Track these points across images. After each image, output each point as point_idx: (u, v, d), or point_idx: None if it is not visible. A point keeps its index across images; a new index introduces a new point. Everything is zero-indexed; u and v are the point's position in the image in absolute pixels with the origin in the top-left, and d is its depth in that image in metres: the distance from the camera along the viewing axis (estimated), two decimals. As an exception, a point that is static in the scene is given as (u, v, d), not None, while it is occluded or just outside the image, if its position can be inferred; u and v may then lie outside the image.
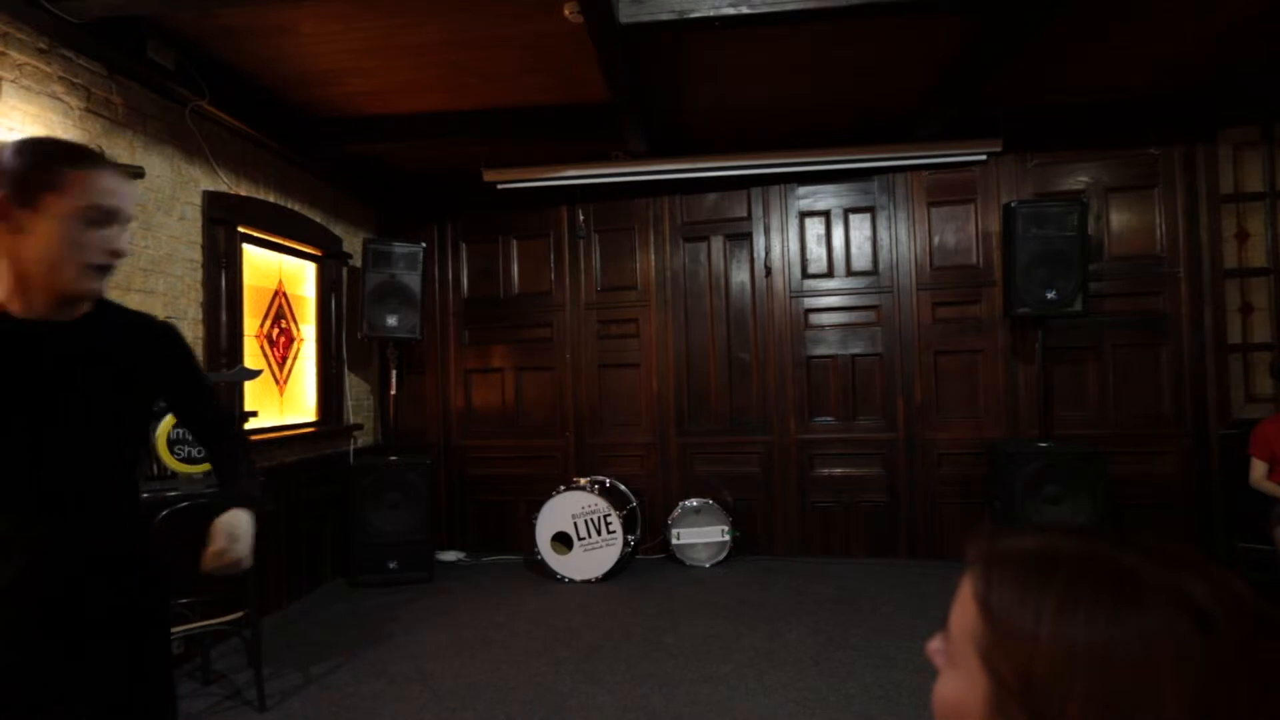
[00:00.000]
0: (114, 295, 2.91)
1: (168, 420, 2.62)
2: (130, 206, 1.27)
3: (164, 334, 1.41)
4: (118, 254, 1.24)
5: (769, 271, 4.64)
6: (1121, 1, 2.90)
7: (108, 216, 1.20)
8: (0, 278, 1.20)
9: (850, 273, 4.57)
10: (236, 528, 1.31)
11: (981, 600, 0.53)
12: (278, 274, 4.14)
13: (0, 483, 1.17)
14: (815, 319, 4.61)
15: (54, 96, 2.61)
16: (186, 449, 2.66)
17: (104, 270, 1.23)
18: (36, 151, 1.19)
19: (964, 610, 0.54)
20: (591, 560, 4.17)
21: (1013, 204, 3.98)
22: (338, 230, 4.60)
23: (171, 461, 2.62)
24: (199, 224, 3.37)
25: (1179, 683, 0.44)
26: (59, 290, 1.20)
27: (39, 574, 1.18)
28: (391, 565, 4.26)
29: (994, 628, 0.51)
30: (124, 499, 1.32)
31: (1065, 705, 0.47)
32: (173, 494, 2.61)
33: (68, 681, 1.20)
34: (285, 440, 3.96)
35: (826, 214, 4.61)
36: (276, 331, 4.10)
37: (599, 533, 4.15)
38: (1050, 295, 3.86)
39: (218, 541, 1.28)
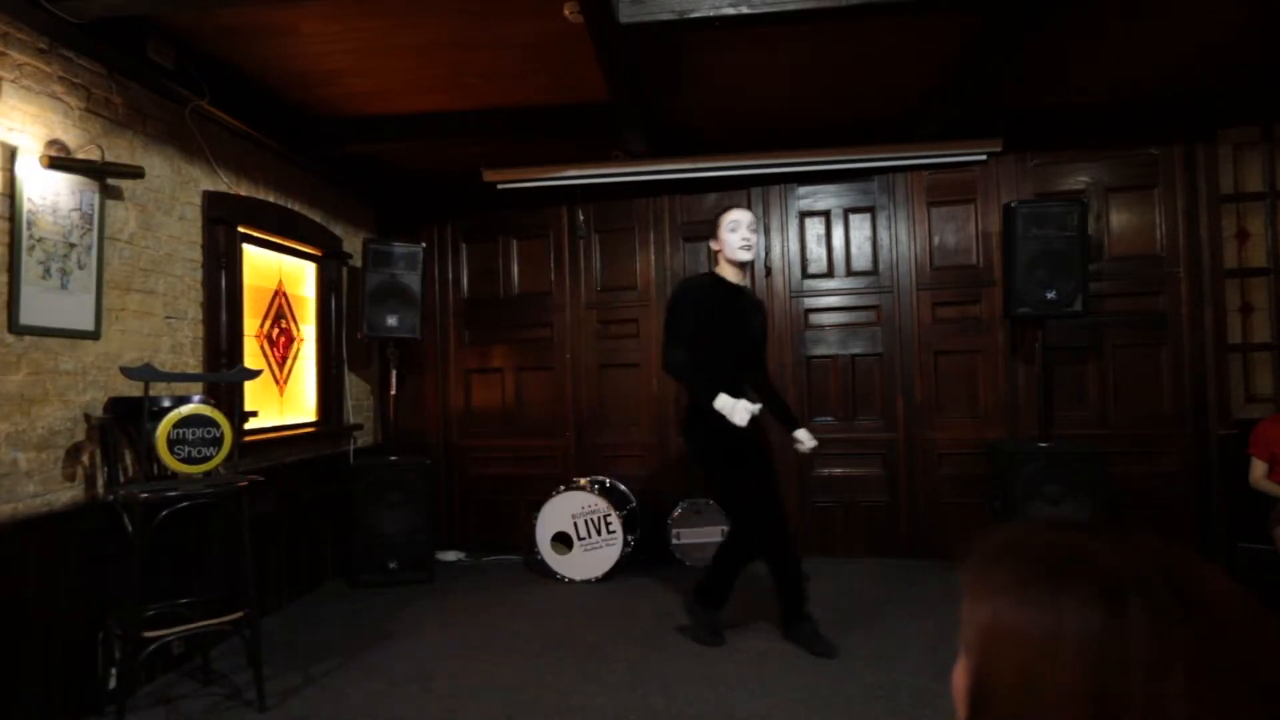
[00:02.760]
0: (114, 295, 2.92)
1: (168, 420, 2.62)
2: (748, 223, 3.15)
3: (762, 307, 3.46)
4: (748, 248, 3.10)
5: (769, 271, 4.64)
6: (1122, 1, 2.90)
7: (744, 228, 3.11)
8: (722, 266, 3.18)
9: (850, 273, 4.58)
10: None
11: (962, 585, 0.58)
12: (278, 274, 4.14)
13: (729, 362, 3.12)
14: (815, 319, 4.61)
15: (54, 96, 2.62)
16: (186, 449, 2.66)
17: (747, 252, 3.12)
18: (720, 209, 3.17)
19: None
20: (591, 560, 4.17)
21: (1013, 204, 3.98)
22: (338, 230, 4.60)
23: (171, 461, 2.62)
24: (199, 224, 3.37)
25: (1079, 658, 0.48)
26: (739, 267, 3.16)
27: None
28: (391, 565, 4.26)
29: (965, 607, 0.57)
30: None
31: (996, 674, 0.52)
32: (173, 494, 2.62)
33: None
34: (285, 440, 3.96)
35: (826, 214, 4.61)
36: (276, 331, 4.10)
37: (599, 533, 4.15)
38: (1050, 295, 3.86)
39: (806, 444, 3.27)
